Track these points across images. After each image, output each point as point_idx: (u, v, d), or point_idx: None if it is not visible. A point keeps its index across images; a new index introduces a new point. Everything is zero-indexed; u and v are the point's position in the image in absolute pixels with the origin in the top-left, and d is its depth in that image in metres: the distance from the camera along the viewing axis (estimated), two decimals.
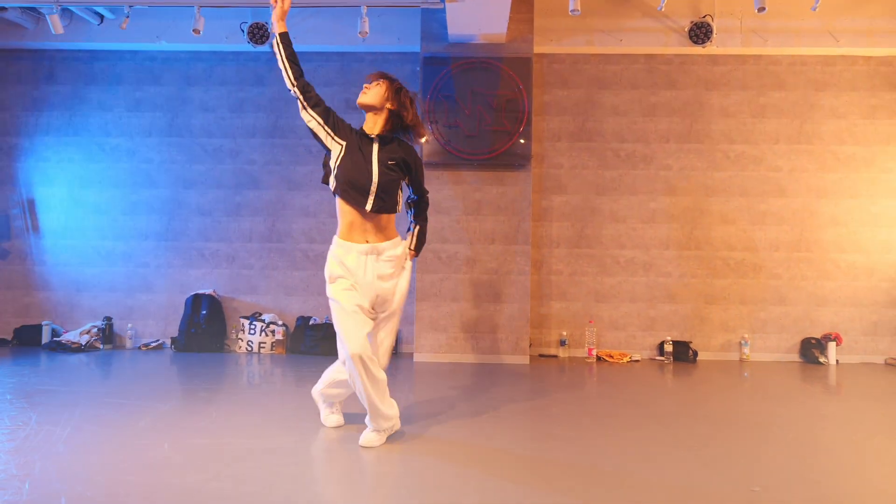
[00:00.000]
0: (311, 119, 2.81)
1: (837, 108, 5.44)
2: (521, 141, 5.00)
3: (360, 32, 4.41)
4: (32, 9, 5.25)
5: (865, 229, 5.40)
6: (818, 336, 5.34)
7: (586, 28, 5.37)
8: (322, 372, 2.94)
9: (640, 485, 2.25)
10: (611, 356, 5.23)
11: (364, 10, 4.42)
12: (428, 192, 3.01)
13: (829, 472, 2.46)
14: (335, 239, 2.78)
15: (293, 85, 2.81)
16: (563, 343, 5.36)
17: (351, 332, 2.56)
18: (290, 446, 2.64)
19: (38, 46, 5.60)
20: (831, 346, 5.22)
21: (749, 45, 5.33)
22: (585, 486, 2.21)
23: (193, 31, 4.55)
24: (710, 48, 5.27)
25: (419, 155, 2.86)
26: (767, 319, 5.41)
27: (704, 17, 5.18)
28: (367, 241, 2.69)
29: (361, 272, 2.66)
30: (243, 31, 5.26)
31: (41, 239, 5.64)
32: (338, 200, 2.75)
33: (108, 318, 5.44)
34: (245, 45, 5.43)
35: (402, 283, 2.78)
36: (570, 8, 4.33)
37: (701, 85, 5.51)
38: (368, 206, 2.68)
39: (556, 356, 5.36)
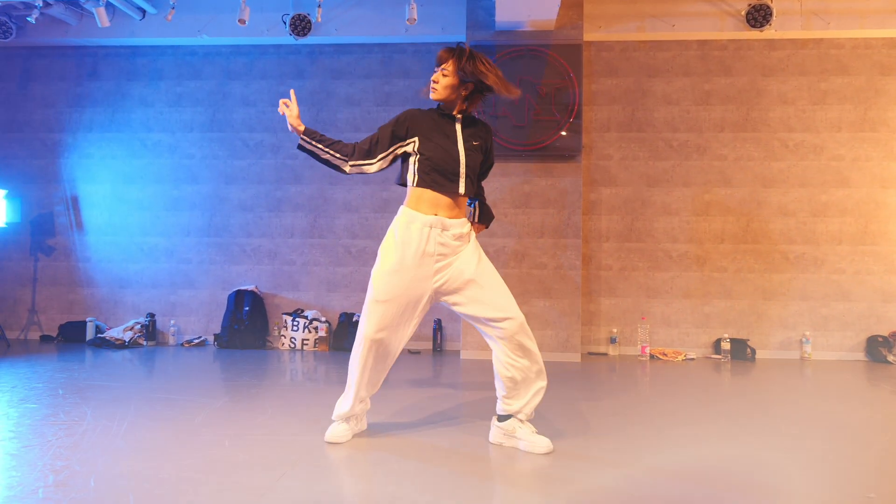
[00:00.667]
0: (384, 161, 2.56)
1: None
2: (570, 132, 4.82)
3: (408, 20, 4.29)
4: (76, 4, 5.24)
5: None
6: (885, 334, 5.06)
7: (637, 14, 5.18)
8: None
9: (744, 486, 2.08)
10: (664, 354, 5.03)
11: None
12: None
13: None
14: (402, 209, 2.54)
15: (350, 166, 2.55)
16: (613, 341, 5.18)
17: (372, 317, 2.46)
18: (353, 441, 2.52)
19: (80, 43, 5.60)
20: None
21: (810, 28, 5.08)
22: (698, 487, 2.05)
23: (239, 21, 4.47)
24: (769, 32, 5.04)
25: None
26: (830, 316, 5.15)
27: None
28: (436, 214, 2.47)
29: (420, 247, 2.43)
30: (285, 22, 5.19)
31: (85, 235, 5.64)
32: (415, 192, 2.51)
33: (151, 315, 5.41)
34: (286, 38, 5.36)
35: (479, 251, 2.55)
36: None
37: (757, 71, 5.27)
38: (462, 190, 2.47)
39: (606, 354, 5.18)
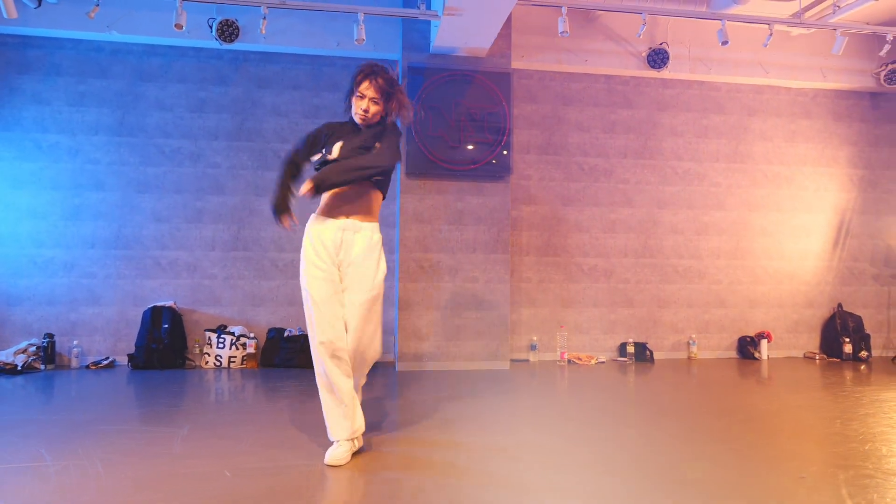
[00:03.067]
0: (315, 156, 2.80)
1: (765, 131, 6.14)
2: (501, 154, 5.15)
3: (356, 40, 4.35)
4: None
5: (788, 239, 6.13)
6: (752, 334, 5.99)
7: (555, 47, 5.64)
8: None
9: (683, 480, 2.46)
10: (579, 359, 5.53)
11: (361, 16, 4.36)
12: (373, 165, 2.68)
13: (858, 455, 2.81)
14: (311, 217, 2.75)
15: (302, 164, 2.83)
16: (533, 347, 5.58)
17: (322, 320, 2.57)
18: (358, 463, 2.58)
19: None
20: (763, 343, 5.88)
21: (696, 72, 5.87)
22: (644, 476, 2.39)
23: (175, 26, 4.23)
24: (664, 72, 5.74)
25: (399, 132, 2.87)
26: (710, 321, 5.98)
27: (662, 44, 5.63)
28: (347, 217, 2.69)
29: (334, 250, 2.65)
30: (211, 27, 4.97)
31: None
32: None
33: (50, 336, 4.89)
34: (206, 42, 5.13)
35: (382, 264, 2.75)
36: (560, 30, 4.54)
37: (654, 105, 5.97)
38: (334, 154, 2.69)
39: (527, 360, 5.57)
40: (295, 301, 5.35)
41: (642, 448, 2.89)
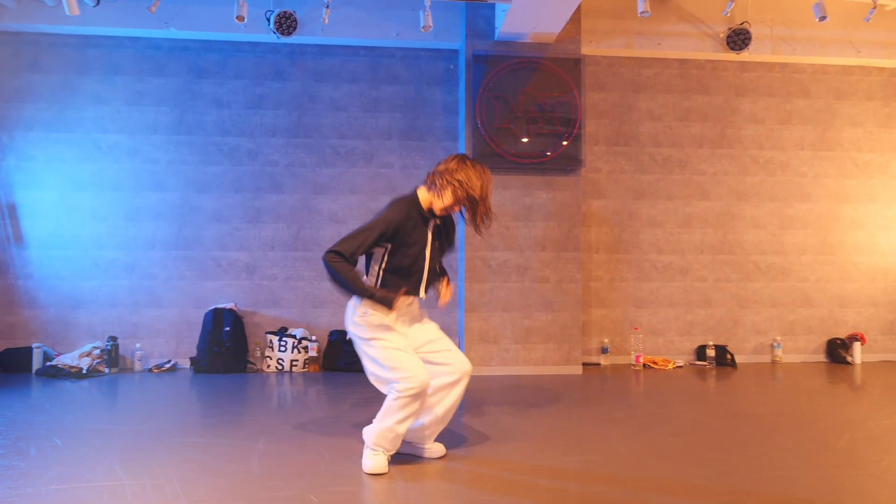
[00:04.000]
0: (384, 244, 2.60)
1: (856, 116, 5.65)
2: (571, 146, 4.84)
3: (423, 27, 4.10)
4: None
5: (882, 232, 5.64)
6: (843, 336, 5.53)
7: (625, 31, 5.30)
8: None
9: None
10: (655, 363, 5.19)
11: (428, 2, 4.12)
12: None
13: None
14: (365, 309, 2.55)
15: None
16: (604, 351, 5.27)
17: (411, 364, 2.47)
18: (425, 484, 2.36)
19: (19, 29, 4.89)
20: (856, 345, 5.41)
21: (779, 53, 5.43)
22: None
23: (237, 18, 4.09)
24: (744, 54, 5.33)
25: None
26: (796, 321, 5.54)
27: (743, 24, 5.22)
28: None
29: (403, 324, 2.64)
30: (269, 20, 4.81)
31: (25, 249, 4.94)
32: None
33: (114, 338, 4.83)
34: (263, 36, 4.98)
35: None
36: (640, 10, 4.22)
37: (732, 91, 5.56)
38: (422, 295, 2.68)
39: (598, 364, 5.26)
40: None
41: (758, 472, 2.57)
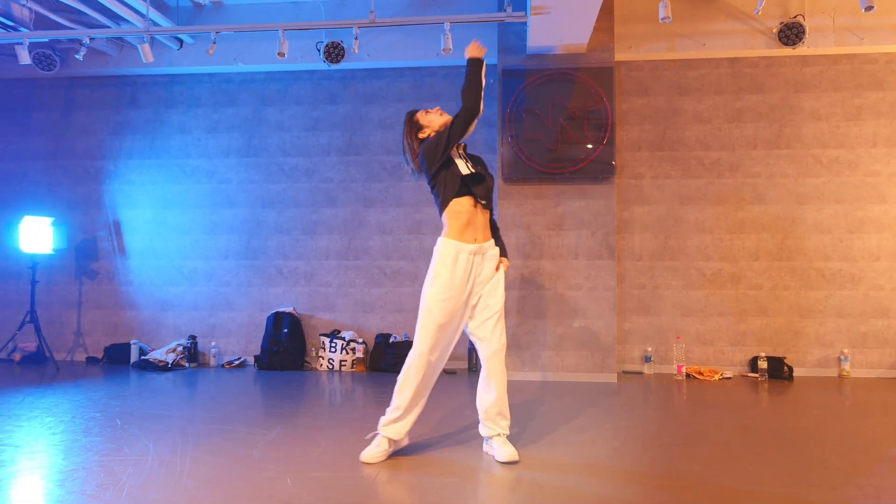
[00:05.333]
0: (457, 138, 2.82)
1: None
2: (603, 153, 4.86)
3: (443, 50, 4.36)
4: (118, 38, 5.41)
5: None
6: None
7: (666, 34, 5.20)
8: None
9: None
10: (700, 373, 5.03)
11: (447, 26, 4.37)
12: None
13: None
14: (444, 240, 2.81)
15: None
16: (647, 359, 5.19)
17: (430, 336, 2.75)
18: (416, 478, 2.59)
19: (121, 72, 5.77)
20: None
21: (843, 45, 5.06)
22: None
23: (278, 54, 4.59)
24: (801, 49, 5.03)
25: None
26: (868, 333, 5.12)
27: (796, 17, 4.94)
28: (476, 241, 2.81)
29: (466, 275, 2.77)
30: (319, 50, 5.30)
31: (127, 259, 5.81)
32: (449, 207, 2.81)
33: (193, 337, 5.55)
34: (318, 64, 5.47)
35: (503, 280, 2.91)
36: (661, 16, 4.17)
37: (790, 87, 5.26)
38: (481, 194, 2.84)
39: (641, 373, 5.20)
40: (403, 308, 5.51)
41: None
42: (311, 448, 3.03)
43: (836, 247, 5.17)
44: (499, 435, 2.87)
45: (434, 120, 2.90)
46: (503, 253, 2.94)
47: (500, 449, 2.82)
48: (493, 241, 2.88)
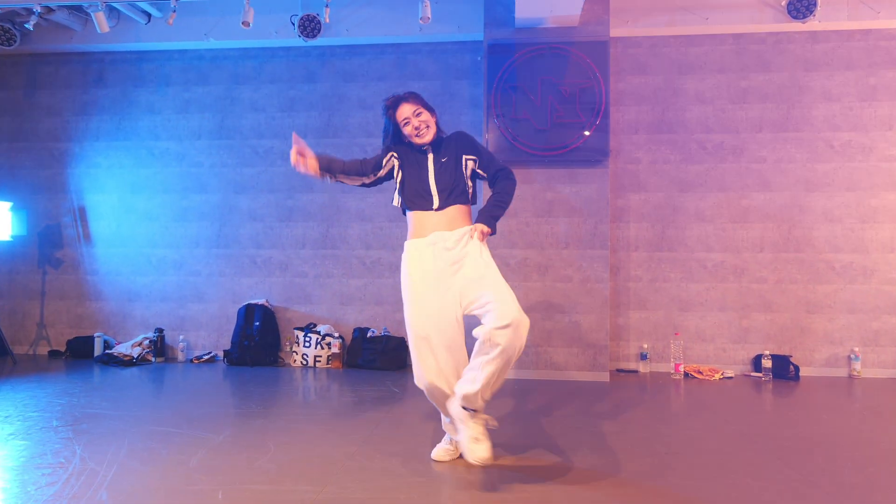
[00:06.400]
0: (381, 178, 2.76)
1: None
2: (596, 135, 4.50)
3: (421, 18, 4.02)
4: (80, 9, 5.07)
5: None
6: None
7: (666, 6, 4.83)
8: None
9: None
10: (700, 372, 4.69)
11: None
12: (504, 169, 2.69)
13: None
14: (405, 245, 2.66)
15: (365, 184, 2.76)
16: (643, 357, 4.85)
17: (421, 361, 2.48)
18: (365, 498, 2.27)
19: (86, 49, 5.43)
20: None
21: (857, 19, 4.68)
22: None
23: (242, 23, 4.25)
24: (811, 23, 4.65)
25: (468, 136, 2.76)
26: (881, 330, 4.76)
27: None
28: (433, 232, 2.60)
29: (431, 266, 2.54)
30: (294, 24, 4.94)
31: (93, 247, 5.48)
32: (408, 214, 2.70)
33: (160, 330, 5.23)
34: (295, 40, 5.12)
35: (485, 254, 2.59)
36: None
37: (799, 65, 4.88)
38: (435, 205, 2.60)
39: (636, 371, 4.86)
40: (382, 300, 5.18)
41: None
42: (258, 455, 2.71)
43: (848, 237, 4.81)
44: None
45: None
46: (485, 219, 2.60)
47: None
48: (460, 229, 2.61)
